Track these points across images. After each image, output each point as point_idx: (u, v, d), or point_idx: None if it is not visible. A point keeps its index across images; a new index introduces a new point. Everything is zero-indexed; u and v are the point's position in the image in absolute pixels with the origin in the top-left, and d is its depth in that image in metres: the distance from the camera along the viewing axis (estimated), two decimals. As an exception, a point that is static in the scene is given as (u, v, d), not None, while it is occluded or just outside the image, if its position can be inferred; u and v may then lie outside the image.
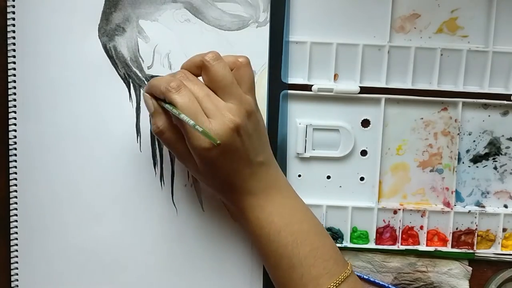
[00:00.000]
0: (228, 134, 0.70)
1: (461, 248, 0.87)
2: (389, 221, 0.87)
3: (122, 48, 0.82)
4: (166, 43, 0.82)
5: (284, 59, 0.83)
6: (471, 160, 0.88)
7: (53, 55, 0.81)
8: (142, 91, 0.82)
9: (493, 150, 0.87)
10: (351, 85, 0.85)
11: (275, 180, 0.78)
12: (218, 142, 0.67)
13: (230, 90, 0.72)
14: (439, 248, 0.87)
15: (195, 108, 0.69)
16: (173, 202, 0.84)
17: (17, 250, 0.83)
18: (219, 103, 0.71)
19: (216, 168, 0.73)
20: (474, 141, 0.87)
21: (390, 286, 0.86)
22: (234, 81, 0.72)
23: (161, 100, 0.73)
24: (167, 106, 0.71)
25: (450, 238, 0.87)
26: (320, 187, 0.87)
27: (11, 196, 0.83)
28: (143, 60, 0.82)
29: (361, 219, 0.87)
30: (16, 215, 0.83)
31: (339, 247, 0.79)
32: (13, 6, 0.80)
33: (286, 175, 0.85)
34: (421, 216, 0.87)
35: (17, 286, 0.84)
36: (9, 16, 0.80)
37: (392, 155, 0.87)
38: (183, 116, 0.68)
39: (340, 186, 0.87)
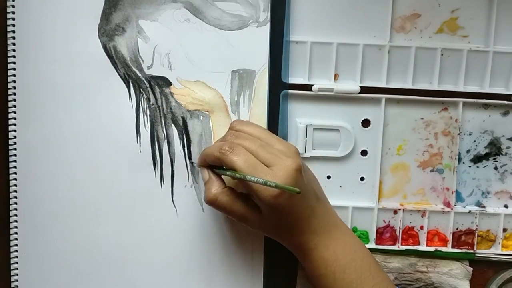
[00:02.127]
0: (294, 176, 0.71)
1: (461, 248, 0.87)
2: (389, 221, 0.87)
3: (122, 48, 0.82)
4: (166, 43, 0.82)
5: (285, 59, 0.83)
6: (471, 160, 0.88)
7: (53, 55, 0.81)
8: (194, 164, 0.84)
9: (494, 150, 0.87)
10: (351, 85, 0.85)
11: (332, 216, 0.79)
12: (298, 191, 0.67)
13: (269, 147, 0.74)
14: (439, 248, 0.87)
15: (254, 162, 0.71)
16: (173, 203, 0.84)
17: (17, 250, 0.83)
18: (274, 150, 0.73)
19: (284, 213, 0.73)
20: (475, 141, 0.87)
21: (392, 285, 0.86)
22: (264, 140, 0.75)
23: (216, 168, 0.76)
24: (228, 173, 0.73)
25: (450, 238, 0.87)
26: (321, 187, 0.87)
27: (11, 196, 0.83)
28: (143, 60, 0.82)
29: (361, 219, 0.87)
30: (16, 215, 0.83)
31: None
32: (13, 6, 0.80)
33: (286, 175, 0.85)
34: (421, 216, 0.87)
35: (17, 286, 0.84)
36: (9, 16, 0.80)
37: (393, 155, 0.87)
38: (249, 177, 0.69)
39: (340, 186, 0.87)
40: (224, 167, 0.74)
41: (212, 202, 0.75)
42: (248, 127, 0.76)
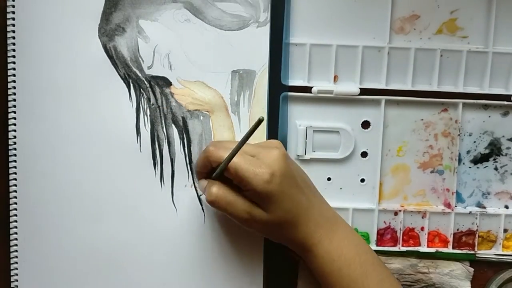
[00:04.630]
0: (283, 160, 0.73)
1: (462, 249, 0.87)
2: (390, 223, 0.87)
3: (122, 48, 0.82)
4: (166, 43, 0.82)
5: (284, 61, 0.84)
6: (471, 161, 0.88)
7: (53, 55, 0.81)
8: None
9: (494, 150, 0.87)
10: (351, 87, 0.85)
11: (332, 211, 0.80)
12: (261, 118, 0.65)
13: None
14: (440, 249, 0.87)
15: (241, 153, 0.72)
16: (173, 203, 0.84)
17: (17, 250, 0.83)
18: (256, 145, 0.77)
19: (280, 200, 0.73)
20: (475, 142, 0.87)
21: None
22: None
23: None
24: (217, 172, 0.74)
25: (451, 239, 0.87)
26: (321, 189, 0.86)
27: (11, 196, 0.83)
28: (143, 60, 0.82)
29: (362, 220, 0.87)
30: (16, 215, 0.83)
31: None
32: (13, 6, 0.80)
33: (286, 177, 0.85)
34: (422, 217, 0.87)
35: (17, 286, 0.84)
36: (9, 16, 0.80)
37: (393, 156, 0.87)
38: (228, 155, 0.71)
39: (341, 188, 0.87)
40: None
41: (213, 200, 0.74)
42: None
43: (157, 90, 0.83)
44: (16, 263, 0.83)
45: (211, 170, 0.76)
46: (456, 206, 0.87)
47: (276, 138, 0.84)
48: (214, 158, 0.74)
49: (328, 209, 0.79)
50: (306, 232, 0.76)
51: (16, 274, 0.84)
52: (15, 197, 0.82)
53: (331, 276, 0.75)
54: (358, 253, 0.76)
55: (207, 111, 0.83)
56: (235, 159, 0.71)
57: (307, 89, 0.85)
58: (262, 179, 0.71)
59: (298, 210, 0.75)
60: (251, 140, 0.72)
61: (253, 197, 0.74)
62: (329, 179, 0.87)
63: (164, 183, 0.84)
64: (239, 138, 0.83)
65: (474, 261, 0.88)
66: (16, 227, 0.83)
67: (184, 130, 0.83)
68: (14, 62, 0.81)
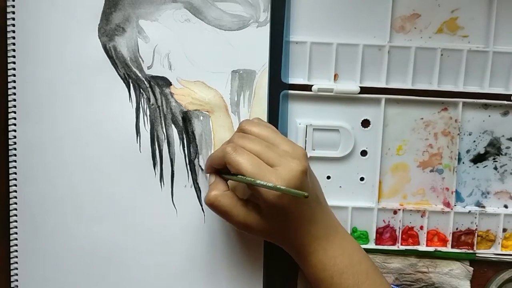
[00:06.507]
0: (299, 177, 0.70)
1: (461, 248, 0.87)
2: (389, 221, 0.87)
3: (122, 48, 0.82)
4: (166, 43, 0.82)
5: (284, 59, 0.83)
6: (471, 160, 0.88)
7: (53, 55, 0.81)
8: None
9: (493, 150, 0.87)
10: (351, 85, 0.85)
11: (332, 220, 0.79)
12: (306, 195, 0.66)
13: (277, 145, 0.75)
14: (439, 248, 0.87)
15: (257, 162, 0.71)
16: (173, 203, 0.84)
17: (17, 250, 0.83)
18: (279, 151, 0.73)
19: (285, 215, 0.73)
20: (474, 141, 0.87)
21: (392, 286, 0.86)
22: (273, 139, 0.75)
23: (223, 173, 0.76)
24: (235, 178, 0.72)
25: (450, 238, 0.87)
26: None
27: (11, 196, 0.83)
28: (143, 60, 0.82)
29: (361, 219, 0.87)
30: (16, 215, 0.83)
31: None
32: (13, 6, 0.80)
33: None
34: (421, 216, 0.87)
35: (17, 286, 0.84)
36: (9, 16, 0.80)
37: (392, 155, 0.87)
38: (259, 182, 0.69)
39: (340, 186, 0.87)
40: (231, 171, 0.73)
41: (211, 203, 0.74)
42: (255, 128, 0.76)
43: (157, 90, 0.82)
44: (16, 263, 0.84)
45: (224, 167, 0.75)
46: (455, 205, 0.87)
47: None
48: (230, 162, 0.72)
49: (329, 219, 0.78)
50: (301, 243, 0.76)
51: (16, 274, 0.84)
52: (15, 197, 0.83)
53: (323, 283, 0.75)
54: (352, 263, 0.76)
55: (207, 111, 0.83)
56: (250, 169, 0.70)
57: (307, 87, 0.85)
58: (274, 194, 0.70)
59: (297, 224, 0.74)
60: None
61: (259, 204, 0.73)
62: (328, 177, 0.87)
63: (164, 184, 0.84)
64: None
65: (474, 261, 0.88)
66: (16, 227, 0.83)
67: (184, 130, 0.83)
68: (14, 62, 0.81)
